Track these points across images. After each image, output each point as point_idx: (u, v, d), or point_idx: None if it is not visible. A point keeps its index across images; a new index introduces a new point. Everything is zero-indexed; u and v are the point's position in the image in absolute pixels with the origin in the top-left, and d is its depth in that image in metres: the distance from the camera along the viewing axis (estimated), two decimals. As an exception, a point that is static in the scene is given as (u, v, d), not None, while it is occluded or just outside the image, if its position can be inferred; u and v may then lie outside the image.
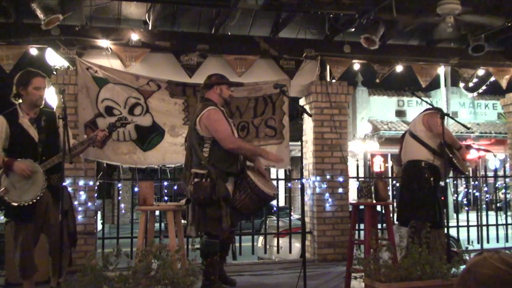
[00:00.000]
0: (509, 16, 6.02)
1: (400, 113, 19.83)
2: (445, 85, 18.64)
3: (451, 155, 4.74)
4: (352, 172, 7.18)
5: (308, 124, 6.67)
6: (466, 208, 8.10)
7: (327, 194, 6.45)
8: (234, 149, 4.32)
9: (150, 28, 6.13)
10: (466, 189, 14.47)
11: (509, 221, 7.86)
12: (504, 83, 7.41)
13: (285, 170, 7.37)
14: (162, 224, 6.61)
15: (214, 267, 4.33)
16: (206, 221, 4.30)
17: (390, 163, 18.74)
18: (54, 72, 5.93)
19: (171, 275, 3.25)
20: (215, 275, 4.35)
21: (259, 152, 4.45)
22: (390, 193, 7.39)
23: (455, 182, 8.53)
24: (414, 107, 18.73)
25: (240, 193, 4.25)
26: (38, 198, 3.92)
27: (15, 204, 3.88)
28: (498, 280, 1.19)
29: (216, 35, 6.39)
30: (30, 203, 3.90)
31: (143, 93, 6.03)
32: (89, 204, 5.79)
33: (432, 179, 4.76)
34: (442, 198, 5.87)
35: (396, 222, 5.26)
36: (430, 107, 5.11)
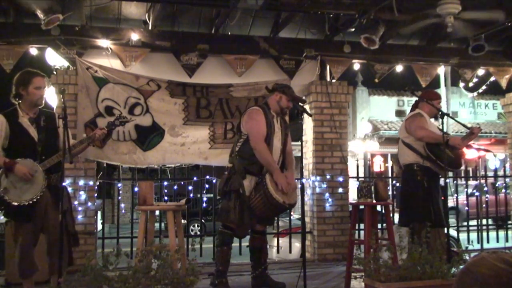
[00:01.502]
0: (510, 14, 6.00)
1: (400, 113, 19.82)
2: (445, 85, 18.62)
3: (434, 157, 4.76)
4: (352, 172, 7.18)
5: (308, 124, 6.67)
6: (466, 208, 8.09)
7: (327, 194, 6.45)
8: (255, 150, 4.47)
9: (150, 28, 6.13)
10: (466, 189, 14.45)
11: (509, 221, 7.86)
12: (504, 83, 7.41)
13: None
14: (162, 224, 6.61)
15: (223, 257, 4.53)
16: (221, 211, 4.62)
17: (390, 163, 18.74)
18: (54, 72, 5.93)
19: (171, 275, 3.25)
20: (224, 266, 4.53)
21: (271, 168, 4.44)
22: (390, 193, 7.38)
23: (455, 182, 8.54)
24: (414, 107, 18.69)
25: (255, 194, 4.40)
26: (38, 197, 3.93)
27: (15, 203, 3.88)
28: (497, 279, 1.18)
29: (216, 35, 6.39)
30: (30, 202, 3.90)
31: (143, 93, 6.04)
32: (89, 204, 5.80)
33: (425, 180, 4.79)
34: (442, 198, 5.86)
35: (396, 222, 5.26)
36: (413, 109, 5.15)
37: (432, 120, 5.10)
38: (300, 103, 4.87)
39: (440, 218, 4.76)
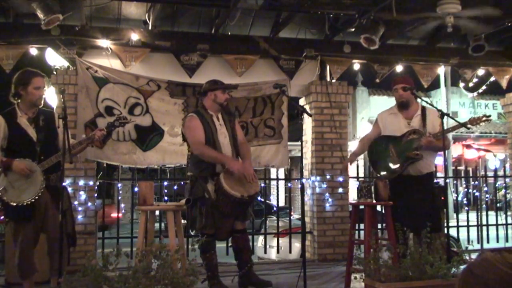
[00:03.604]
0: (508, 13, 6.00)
1: (400, 113, 19.79)
2: (445, 85, 18.61)
3: (370, 160, 4.90)
4: (352, 172, 7.18)
5: (308, 124, 6.67)
6: (466, 208, 8.09)
7: (327, 194, 6.45)
8: (199, 155, 4.52)
9: (150, 28, 6.13)
10: (466, 189, 14.48)
11: (509, 221, 7.86)
12: (504, 83, 7.41)
13: (285, 170, 7.36)
14: (162, 224, 6.61)
15: (209, 263, 4.54)
16: (192, 220, 4.60)
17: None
18: (54, 72, 5.93)
19: (171, 275, 3.25)
20: (212, 271, 4.53)
21: (222, 160, 4.49)
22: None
23: (455, 182, 8.54)
24: (414, 107, 18.66)
25: (217, 194, 4.41)
26: (37, 197, 3.92)
27: (14, 204, 3.88)
28: (503, 284, 1.18)
29: (216, 35, 6.39)
30: (29, 202, 3.90)
31: (143, 93, 6.04)
32: (89, 204, 5.80)
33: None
34: (442, 198, 5.84)
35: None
36: None
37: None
38: (233, 89, 5.14)
39: (413, 221, 4.46)
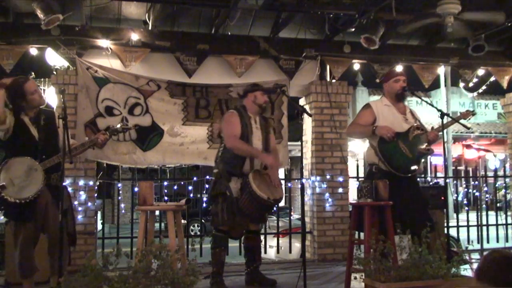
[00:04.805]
0: (510, 14, 5.99)
1: (400, 113, 19.76)
2: (445, 85, 18.62)
3: (383, 158, 4.54)
4: (352, 172, 7.18)
5: (308, 124, 6.67)
6: (466, 208, 8.09)
7: (327, 194, 6.46)
8: (232, 149, 4.59)
9: (150, 28, 6.13)
10: (466, 189, 14.47)
11: (509, 221, 7.86)
12: (504, 83, 7.41)
13: (285, 170, 7.35)
14: (162, 224, 6.61)
15: (216, 259, 4.65)
16: (211, 216, 4.70)
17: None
18: (54, 72, 5.94)
19: (171, 275, 3.25)
20: (218, 267, 4.65)
21: (254, 153, 4.61)
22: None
23: (455, 182, 8.54)
24: (414, 107, 18.58)
25: (242, 194, 4.48)
26: (36, 196, 3.91)
27: (12, 200, 3.87)
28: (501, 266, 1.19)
29: (216, 35, 6.38)
30: (28, 200, 3.89)
31: (143, 93, 6.04)
32: (89, 204, 5.80)
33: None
34: (442, 198, 5.84)
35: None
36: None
37: (417, 102, 4.94)
38: (276, 91, 5.25)
39: (409, 223, 4.35)
